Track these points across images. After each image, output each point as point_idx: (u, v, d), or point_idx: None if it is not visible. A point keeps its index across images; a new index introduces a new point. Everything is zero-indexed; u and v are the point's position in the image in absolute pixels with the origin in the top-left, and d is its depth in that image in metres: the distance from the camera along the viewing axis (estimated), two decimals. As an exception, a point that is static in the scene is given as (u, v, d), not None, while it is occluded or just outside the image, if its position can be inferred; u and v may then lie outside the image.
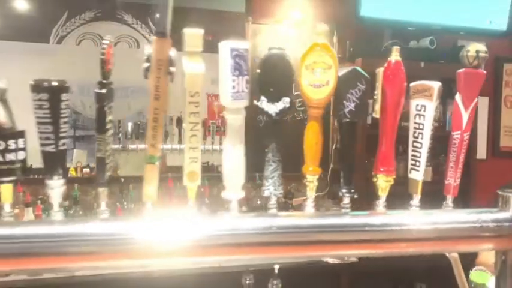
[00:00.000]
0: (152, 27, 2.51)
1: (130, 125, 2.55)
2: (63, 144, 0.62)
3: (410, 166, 0.77)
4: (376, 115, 0.73)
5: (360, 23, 2.36)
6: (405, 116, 0.77)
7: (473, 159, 2.87)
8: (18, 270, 0.66)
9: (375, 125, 0.75)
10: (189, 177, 0.67)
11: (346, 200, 0.73)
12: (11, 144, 0.59)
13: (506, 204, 0.63)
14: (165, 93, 0.62)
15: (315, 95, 0.69)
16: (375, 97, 0.73)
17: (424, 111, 0.74)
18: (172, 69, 0.62)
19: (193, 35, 0.63)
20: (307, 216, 0.65)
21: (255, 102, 0.69)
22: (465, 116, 0.76)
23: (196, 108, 0.65)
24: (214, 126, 2.72)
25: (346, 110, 0.71)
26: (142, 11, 2.50)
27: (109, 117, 0.63)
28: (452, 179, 0.78)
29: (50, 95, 0.59)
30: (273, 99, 0.68)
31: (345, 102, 0.70)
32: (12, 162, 0.59)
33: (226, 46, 0.64)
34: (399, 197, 0.74)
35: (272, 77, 0.68)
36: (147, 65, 0.61)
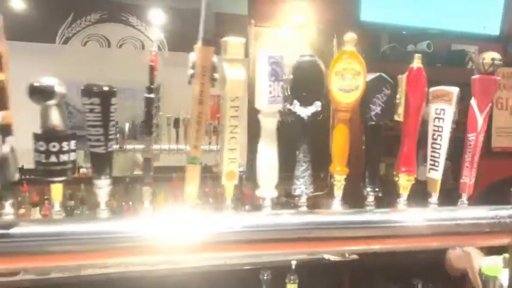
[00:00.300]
0: (155, 29, 2.54)
1: (127, 125, 2.57)
2: (112, 145, 0.65)
3: (429, 166, 0.82)
4: (400, 118, 0.77)
5: (360, 28, 2.42)
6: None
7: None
8: (63, 266, 0.69)
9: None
10: (227, 177, 0.71)
11: (371, 199, 0.78)
12: (65, 145, 0.62)
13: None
14: (207, 98, 0.66)
15: (344, 99, 0.74)
16: (397, 101, 0.78)
17: (443, 114, 0.79)
18: (215, 75, 0.66)
19: (234, 44, 0.67)
20: (342, 213, 0.69)
21: (287, 106, 0.73)
22: (480, 120, 0.81)
23: (236, 112, 0.68)
24: (211, 127, 2.75)
25: (373, 113, 0.75)
26: (148, 13, 2.53)
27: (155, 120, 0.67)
28: (468, 178, 0.83)
29: (102, 100, 0.62)
30: (306, 103, 0.73)
31: (371, 106, 0.75)
32: (65, 163, 0.62)
33: (264, 54, 0.69)
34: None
35: (305, 82, 0.72)
36: (191, 71, 0.65)
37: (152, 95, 0.65)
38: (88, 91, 0.62)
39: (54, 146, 0.61)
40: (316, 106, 0.73)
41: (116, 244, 0.56)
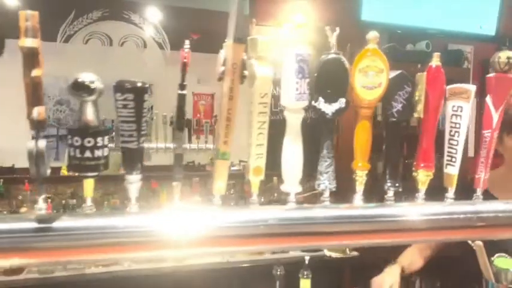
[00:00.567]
0: (159, 27, 2.53)
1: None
2: (143, 141, 0.66)
3: (446, 162, 0.84)
4: (420, 115, 0.79)
5: (361, 27, 2.45)
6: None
7: (465, 157, 2.99)
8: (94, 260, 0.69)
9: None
10: (254, 172, 0.72)
11: (391, 194, 0.80)
12: (99, 141, 0.63)
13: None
14: (237, 94, 0.67)
15: (367, 96, 0.75)
16: (416, 98, 0.80)
17: (460, 111, 0.81)
18: (245, 72, 0.67)
19: (264, 42, 0.68)
20: (364, 207, 0.71)
21: (312, 102, 0.74)
22: (495, 117, 0.84)
23: (265, 108, 0.70)
24: (207, 125, 2.76)
25: (394, 110, 0.77)
26: (150, 11, 2.52)
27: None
28: (483, 173, 0.85)
29: (135, 95, 0.63)
30: (330, 99, 0.74)
31: (393, 103, 0.77)
32: (98, 158, 0.63)
33: (291, 51, 0.70)
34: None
35: (329, 79, 0.74)
36: (222, 68, 0.66)
37: (185, 92, 0.66)
38: (122, 87, 0.63)
39: (89, 142, 0.61)
40: (341, 103, 0.74)
41: (150, 238, 0.57)
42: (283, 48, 0.72)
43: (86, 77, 0.56)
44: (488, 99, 0.84)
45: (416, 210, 0.69)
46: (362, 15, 2.45)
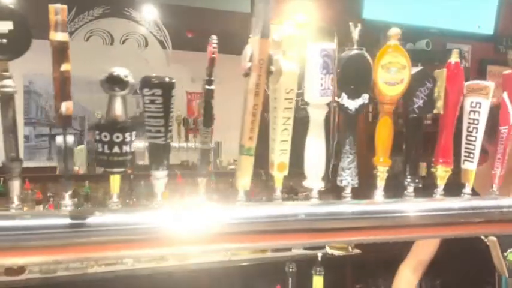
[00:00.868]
0: (160, 25, 2.51)
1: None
2: (170, 137, 0.66)
3: (463, 158, 0.85)
4: (440, 111, 0.80)
5: (362, 26, 2.47)
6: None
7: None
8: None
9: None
10: (278, 168, 0.72)
11: (411, 189, 0.80)
12: (127, 136, 0.62)
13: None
14: (263, 90, 0.67)
15: (390, 92, 0.76)
16: (436, 95, 0.81)
17: (479, 108, 0.82)
18: (272, 68, 0.67)
19: (290, 38, 0.68)
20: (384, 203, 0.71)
21: (336, 98, 0.75)
22: (512, 113, 0.85)
23: (290, 104, 0.70)
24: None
25: (415, 106, 0.78)
26: (151, 8, 2.50)
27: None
28: (499, 169, 0.86)
29: (163, 91, 0.62)
30: (353, 95, 0.74)
31: (414, 99, 0.77)
32: (126, 153, 0.63)
33: (316, 47, 0.70)
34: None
35: (353, 75, 0.74)
36: (249, 64, 0.66)
37: (212, 87, 0.65)
38: (149, 82, 0.62)
39: (117, 137, 0.61)
40: (364, 99, 0.75)
41: (188, 233, 0.57)
42: (307, 44, 0.72)
43: (121, 71, 0.56)
44: (505, 96, 0.85)
45: (439, 205, 0.69)
46: (363, 13, 2.46)
